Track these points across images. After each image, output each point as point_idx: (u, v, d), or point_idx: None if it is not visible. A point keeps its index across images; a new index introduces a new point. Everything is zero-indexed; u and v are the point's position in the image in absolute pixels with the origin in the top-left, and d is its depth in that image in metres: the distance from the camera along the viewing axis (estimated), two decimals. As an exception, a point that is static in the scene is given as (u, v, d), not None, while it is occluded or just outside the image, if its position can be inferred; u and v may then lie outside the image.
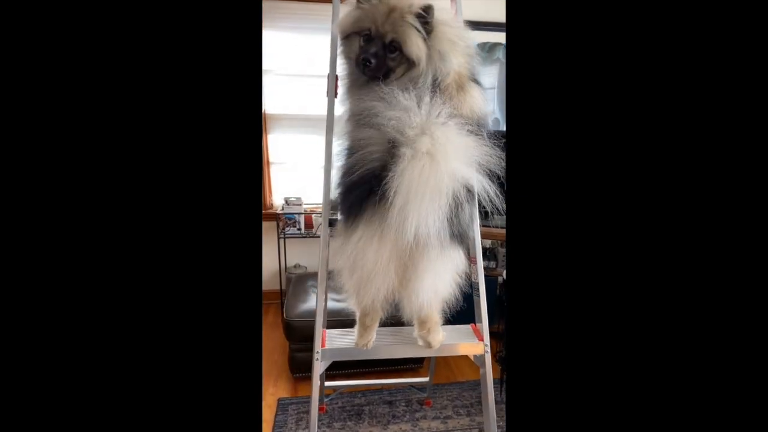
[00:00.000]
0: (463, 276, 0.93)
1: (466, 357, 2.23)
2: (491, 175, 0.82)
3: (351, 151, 0.85)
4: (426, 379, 1.80)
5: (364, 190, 0.80)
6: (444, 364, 2.13)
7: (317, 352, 1.02)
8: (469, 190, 0.82)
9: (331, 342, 1.07)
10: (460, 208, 0.80)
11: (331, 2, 1.10)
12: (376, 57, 0.85)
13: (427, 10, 0.84)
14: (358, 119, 0.85)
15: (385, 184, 0.75)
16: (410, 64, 0.86)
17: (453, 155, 0.77)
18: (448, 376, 2.05)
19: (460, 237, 0.86)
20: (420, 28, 0.84)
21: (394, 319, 1.93)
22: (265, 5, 2.35)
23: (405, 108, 0.79)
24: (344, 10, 0.98)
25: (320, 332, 1.05)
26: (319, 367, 1.02)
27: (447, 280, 0.89)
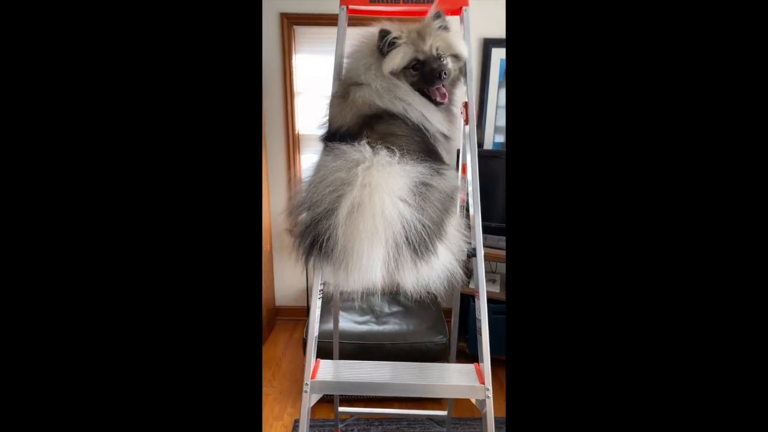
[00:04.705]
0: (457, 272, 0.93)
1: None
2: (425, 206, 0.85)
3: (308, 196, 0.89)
4: (444, 413, 1.70)
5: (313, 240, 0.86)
6: (469, 397, 2.00)
7: (306, 384, 0.98)
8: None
9: (324, 373, 1.02)
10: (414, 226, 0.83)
11: (359, 26, 1.09)
12: (441, 67, 0.95)
13: (440, 16, 0.98)
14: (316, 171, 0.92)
15: (326, 238, 0.82)
16: (456, 59, 1.01)
17: (387, 196, 0.81)
18: (472, 411, 1.92)
19: (429, 247, 0.86)
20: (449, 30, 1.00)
21: (388, 353, 1.85)
22: (295, 31, 2.42)
23: (352, 161, 0.85)
24: (353, 33, 1.05)
25: (312, 362, 1.00)
26: (307, 399, 0.97)
27: (435, 276, 0.91)
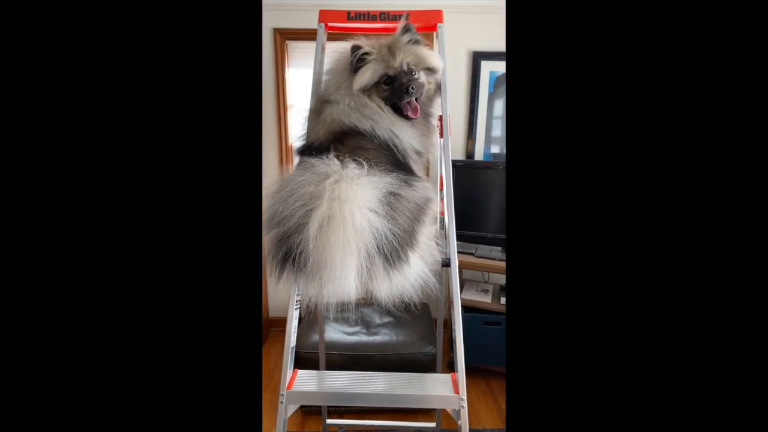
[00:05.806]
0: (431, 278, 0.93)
1: (482, 402, 2.07)
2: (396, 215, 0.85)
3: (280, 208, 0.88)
4: (433, 425, 1.68)
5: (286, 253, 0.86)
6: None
7: (282, 395, 0.98)
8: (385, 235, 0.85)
9: (302, 384, 1.02)
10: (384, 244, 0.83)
11: (343, 39, 1.11)
12: (410, 81, 0.96)
13: (410, 29, 1.01)
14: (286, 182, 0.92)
15: (299, 252, 0.82)
16: (431, 72, 1.02)
17: (357, 208, 0.81)
18: (462, 423, 1.90)
19: (401, 255, 0.86)
20: (420, 43, 1.02)
21: (377, 364, 1.84)
22: (288, 45, 2.46)
23: (321, 174, 0.86)
24: (332, 48, 1.07)
25: (288, 372, 1.01)
26: (283, 410, 0.98)
27: (409, 285, 0.90)
